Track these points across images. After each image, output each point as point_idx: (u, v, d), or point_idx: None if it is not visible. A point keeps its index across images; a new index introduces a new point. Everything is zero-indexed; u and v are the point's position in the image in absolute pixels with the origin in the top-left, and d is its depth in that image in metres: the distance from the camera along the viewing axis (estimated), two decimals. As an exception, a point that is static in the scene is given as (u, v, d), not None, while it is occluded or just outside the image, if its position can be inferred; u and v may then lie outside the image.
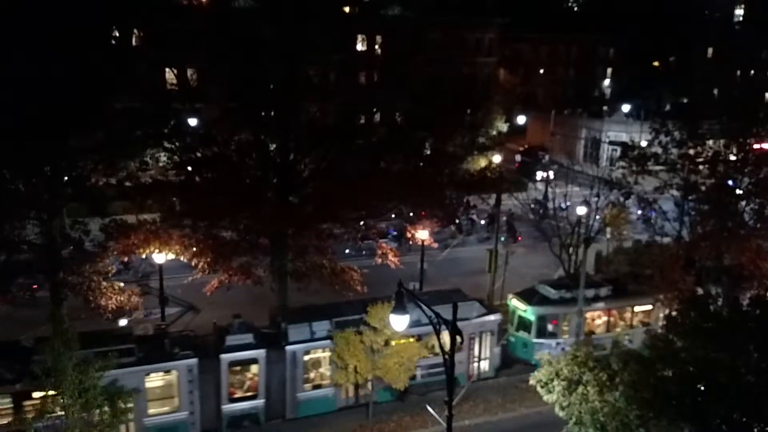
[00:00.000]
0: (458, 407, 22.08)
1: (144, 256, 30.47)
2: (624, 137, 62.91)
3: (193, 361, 24.82)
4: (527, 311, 31.50)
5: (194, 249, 29.32)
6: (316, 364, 27.24)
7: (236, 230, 30.08)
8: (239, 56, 28.70)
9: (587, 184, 44.11)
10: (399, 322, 15.72)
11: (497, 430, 26.95)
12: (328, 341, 26.23)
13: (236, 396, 26.05)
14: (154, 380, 24.62)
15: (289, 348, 26.35)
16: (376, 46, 36.87)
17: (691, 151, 31.59)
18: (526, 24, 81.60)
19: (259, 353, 25.91)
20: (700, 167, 31.60)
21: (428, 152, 34.28)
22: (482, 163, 48.50)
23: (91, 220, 29.43)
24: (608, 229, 41.00)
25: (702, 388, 17.00)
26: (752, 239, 29.98)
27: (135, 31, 30.45)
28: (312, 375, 27.23)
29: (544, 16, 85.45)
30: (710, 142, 32.94)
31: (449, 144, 33.93)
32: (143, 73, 29.49)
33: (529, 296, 32.09)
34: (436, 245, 39.44)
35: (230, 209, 28.71)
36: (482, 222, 49.91)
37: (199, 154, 30.31)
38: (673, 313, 19.96)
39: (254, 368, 26.18)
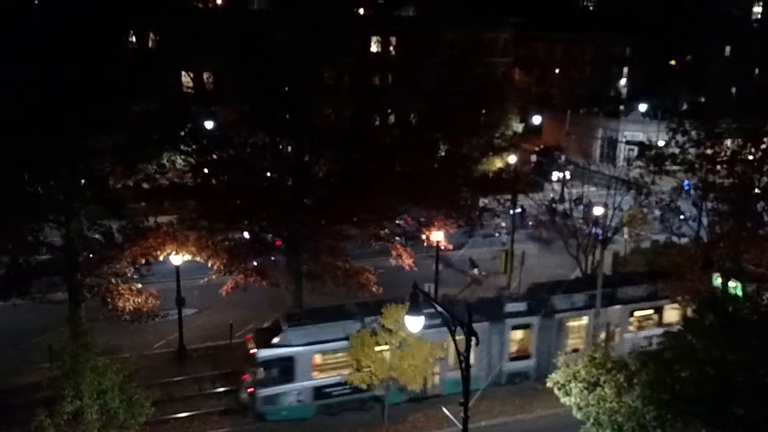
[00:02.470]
0: (474, 408, 21.96)
1: (161, 257, 30.67)
2: (641, 137, 62.41)
3: (485, 324, 27.49)
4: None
5: (210, 251, 29.48)
6: (575, 330, 30.00)
7: (252, 232, 30.22)
8: (254, 59, 28.85)
9: (604, 184, 43.93)
10: (414, 323, 15.71)
11: (514, 431, 26.85)
12: (586, 310, 29.67)
13: (514, 356, 29.22)
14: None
15: (557, 316, 29.19)
16: (391, 48, 36.90)
17: (709, 151, 31.28)
18: (541, 24, 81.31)
19: (534, 319, 29.18)
20: (718, 167, 31.29)
21: (442, 153, 34.24)
22: (498, 164, 48.39)
23: (109, 222, 29.70)
24: (626, 230, 40.73)
25: (720, 389, 16.84)
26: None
27: (151, 34, 30.69)
28: (573, 340, 29.96)
29: (559, 16, 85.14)
30: (728, 142, 32.59)
31: (464, 145, 33.88)
32: (160, 77, 29.68)
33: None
34: (451, 247, 39.40)
35: (246, 211, 28.87)
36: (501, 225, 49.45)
37: (215, 157, 30.52)
38: (691, 314, 19.80)
39: (527, 332, 29.48)
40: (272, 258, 31.79)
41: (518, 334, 29.48)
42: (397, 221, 35.62)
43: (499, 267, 41.31)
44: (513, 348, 29.50)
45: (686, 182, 39.24)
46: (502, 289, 37.65)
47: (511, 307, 29.19)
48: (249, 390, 26.18)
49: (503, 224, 48.30)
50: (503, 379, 29.23)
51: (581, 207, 47.38)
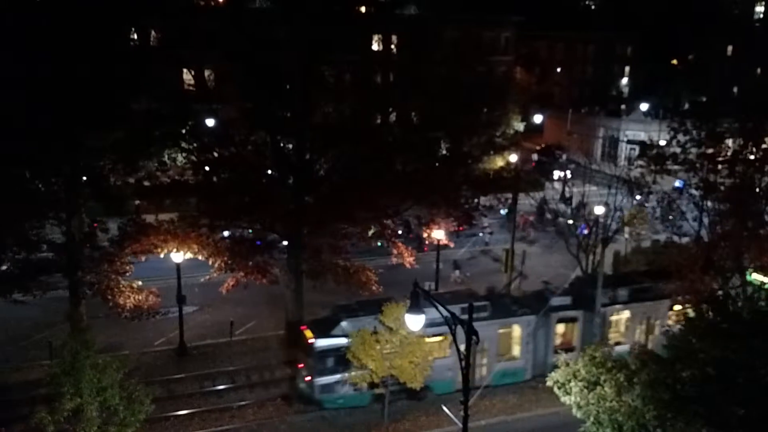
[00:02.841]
0: (474, 407, 21.95)
1: (162, 255, 30.69)
2: (642, 136, 62.46)
3: (532, 317, 28.71)
4: None
5: (211, 248, 29.49)
6: (618, 323, 30.74)
7: (253, 229, 30.21)
8: (255, 57, 28.82)
9: (605, 184, 43.81)
10: (414, 321, 15.69)
11: (513, 430, 26.88)
12: (628, 305, 30.39)
13: (559, 347, 29.68)
14: (502, 332, 28.94)
15: (601, 309, 29.46)
16: (392, 46, 36.88)
17: (710, 151, 31.27)
18: (543, 22, 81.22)
19: (579, 313, 29.90)
20: (720, 167, 31.27)
21: (443, 152, 34.21)
22: (499, 162, 48.31)
23: (110, 219, 29.74)
24: (626, 229, 40.71)
25: (720, 389, 16.84)
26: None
27: (153, 32, 30.67)
28: (614, 333, 30.54)
29: (560, 14, 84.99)
30: (729, 141, 32.57)
31: (465, 144, 33.85)
32: (161, 74, 29.67)
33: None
34: (452, 245, 39.40)
35: (247, 209, 28.86)
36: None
37: (216, 154, 30.52)
38: (692, 314, 19.79)
39: (572, 325, 30.33)
40: (272, 256, 31.77)
41: (563, 327, 30.48)
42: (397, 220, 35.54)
43: (481, 268, 41.16)
44: (558, 341, 30.32)
45: (679, 181, 39.32)
46: (491, 289, 37.33)
47: (556, 301, 29.93)
48: (306, 378, 26.92)
49: (486, 224, 48.14)
50: (548, 370, 29.37)
51: (570, 206, 47.16)
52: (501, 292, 32.83)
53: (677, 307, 30.18)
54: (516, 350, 29.45)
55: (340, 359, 25.92)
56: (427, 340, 25.48)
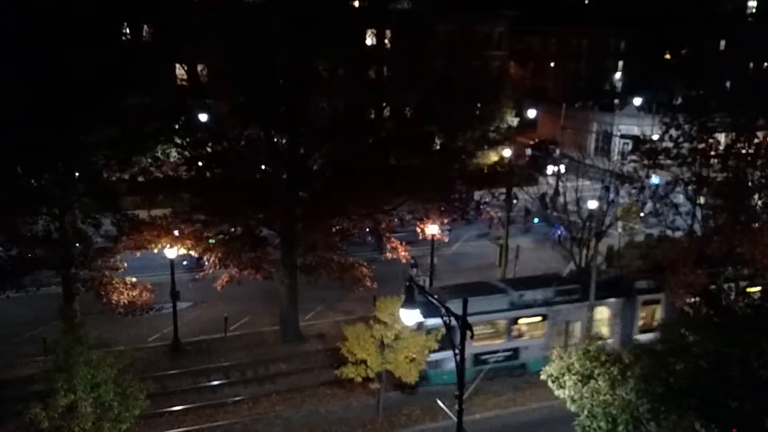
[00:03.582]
0: (469, 401, 22.04)
1: (156, 251, 30.64)
2: (635, 131, 62.50)
3: (620, 299, 30.60)
4: None
5: (205, 244, 29.45)
6: None
7: (246, 225, 30.17)
8: (249, 52, 28.72)
9: (598, 178, 43.98)
10: (409, 316, 15.72)
11: (508, 424, 26.96)
12: None
13: (643, 328, 30.83)
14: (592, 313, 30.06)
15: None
16: (386, 41, 36.78)
17: (701, 146, 31.37)
18: (537, 17, 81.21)
19: (661, 296, 30.84)
20: (712, 161, 31.37)
21: (437, 147, 34.19)
22: (493, 157, 48.30)
23: (103, 215, 29.65)
24: (620, 223, 40.84)
25: (713, 382, 16.92)
26: (766, 233, 29.68)
27: (146, 26, 30.55)
28: None
29: (554, 9, 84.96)
30: (722, 136, 32.66)
31: (459, 138, 33.83)
32: (154, 69, 29.56)
33: None
34: (446, 239, 39.42)
35: (240, 204, 28.81)
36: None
37: (209, 150, 30.43)
38: (686, 308, 19.87)
39: (655, 307, 31.44)
40: (267, 251, 31.74)
41: (647, 309, 31.67)
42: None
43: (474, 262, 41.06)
44: (640, 322, 31.49)
45: (656, 177, 39.45)
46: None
47: (641, 284, 31.28)
48: None
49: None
50: None
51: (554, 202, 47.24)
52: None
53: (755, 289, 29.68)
54: (605, 330, 30.52)
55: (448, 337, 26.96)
56: (524, 321, 29.09)
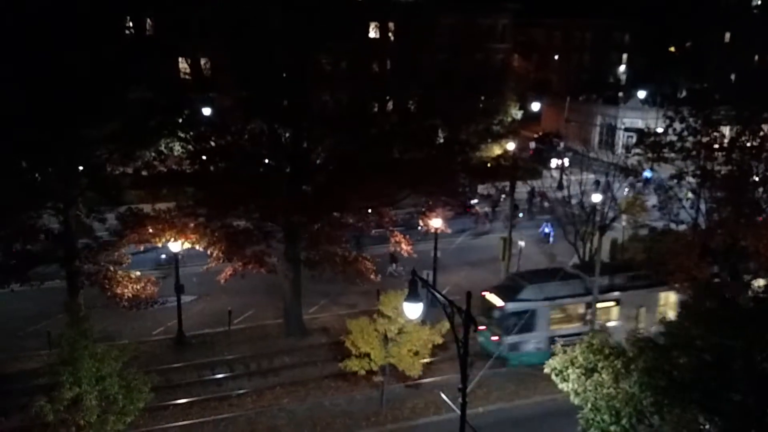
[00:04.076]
0: (472, 394, 22.08)
1: (160, 245, 30.69)
2: (640, 123, 62.42)
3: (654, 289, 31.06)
4: None
5: (209, 238, 29.48)
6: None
7: (250, 219, 30.20)
8: (251, 45, 28.69)
9: (602, 171, 43.84)
10: (413, 310, 15.73)
11: (511, 417, 26.96)
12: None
13: None
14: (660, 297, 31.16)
15: None
16: (389, 34, 36.67)
17: (705, 139, 31.28)
18: (540, 9, 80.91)
19: None
20: (716, 154, 31.27)
21: (441, 140, 34.16)
22: (496, 150, 48.17)
23: (107, 209, 29.71)
24: (624, 217, 40.76)
25: (716, 375, 16.92)
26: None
27: (148, 20, 30.52)
28: None
29: (558, 2, 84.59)
30: (726, 129, 32.54)
31: (462, 132, 33.78)
32: (157, 63, 29.54)
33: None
34: (449, 231, 39.41)
35: (244, 198, 28.83)
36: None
37: (212, 144, 30.42)
38: (689, 301, 19.85)
39: None
40: (270, 245, 31.78)
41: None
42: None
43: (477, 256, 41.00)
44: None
45: (648, 171, 39.30)
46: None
47: None
48: (494, 338, 29.62)
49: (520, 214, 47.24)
50: None
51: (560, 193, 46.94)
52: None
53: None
54: (671, 315, 30.39)
55: (525, 321, 28.60)
56: (600, 305, 29.42)
